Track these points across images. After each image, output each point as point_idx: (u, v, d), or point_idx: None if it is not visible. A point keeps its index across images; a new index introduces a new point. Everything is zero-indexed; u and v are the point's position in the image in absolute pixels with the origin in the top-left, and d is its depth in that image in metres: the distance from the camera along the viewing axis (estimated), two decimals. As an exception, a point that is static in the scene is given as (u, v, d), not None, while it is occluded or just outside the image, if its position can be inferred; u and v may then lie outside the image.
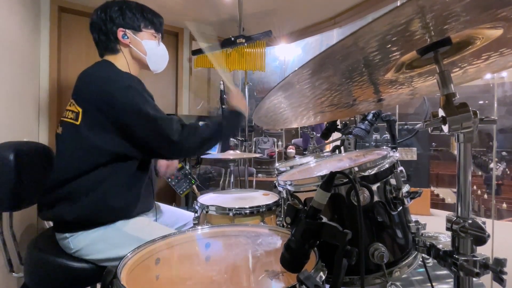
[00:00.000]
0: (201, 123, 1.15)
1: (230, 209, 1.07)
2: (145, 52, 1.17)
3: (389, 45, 0.50)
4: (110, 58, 1.16)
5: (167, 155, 1.15)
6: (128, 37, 1.14)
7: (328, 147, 2.38)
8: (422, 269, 0.84)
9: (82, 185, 1.00)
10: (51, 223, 1.16)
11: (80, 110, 1.02)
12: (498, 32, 0.50)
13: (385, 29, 0.43)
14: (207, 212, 1.11)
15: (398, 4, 0.37)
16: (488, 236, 0.52)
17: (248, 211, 1.08)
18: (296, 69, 0.54)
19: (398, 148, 1.04)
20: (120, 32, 1.13)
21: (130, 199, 1.07)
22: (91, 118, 1.00)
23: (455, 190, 0.58)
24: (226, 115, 1.23)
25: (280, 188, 0.87)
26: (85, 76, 1.07)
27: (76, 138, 1.02)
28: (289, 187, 0.77)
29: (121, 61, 1.16)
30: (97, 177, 1.01)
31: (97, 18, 1.14)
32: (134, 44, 1.16)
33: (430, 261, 0.87)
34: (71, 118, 1.04)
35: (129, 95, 1.00)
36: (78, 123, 1.01)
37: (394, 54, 0.54)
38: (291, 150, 3.75)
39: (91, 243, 1.01)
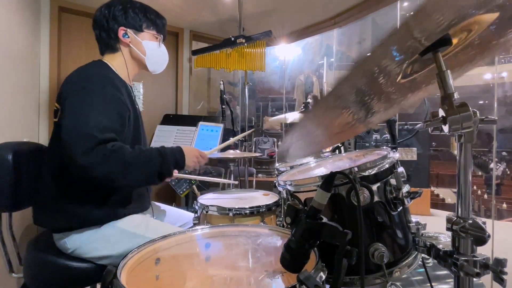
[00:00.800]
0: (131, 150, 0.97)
1: (230, 209, 1.07)
2: (144, 53, 1.17)
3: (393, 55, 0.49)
4: (108, 57, 1.16)
5: (73, 171, 0.95)
6: (129, 37, 1.14)
7: (328, 147, 2.38)
8: (422, 269, 0.84)
9: (65, 184, 1.01)
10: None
11: (59, 107, 1.03)
12: (494, 16, 0.49)
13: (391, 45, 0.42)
14: (207, 212, 1.11)
15: (398, 4, 0.37)
16: (488, 236, 0.52)
17: (248, 211, 1.08)
18: (314, 99, 0.52)
19: (398, 148, 1.04)
20: (121, 31, 1.13)
21: (117, 198, 1.06)
22: (61, 115, 1.01)
23: (455, 190, 0.58)
24: (168, 154, 1.03)
25: (280, 188, 0.87)
26: (70, 74, 1.07)
27: (55, 136, 1.04)
28: (289, 187, 0.77)
29: (119, 60, 1.15)
30: (72, 177, 0.98)
31: (100, 15, 1.14)
32: (134, 44, 1.16)
33: (430, 261, 0.87)
34: (54, 117, 1.06)
35: (78, 96, 0.96)
36: (56, 120, 1.04)
37: (400, 62, 0.53)
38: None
39: (88, 242, 1.01)
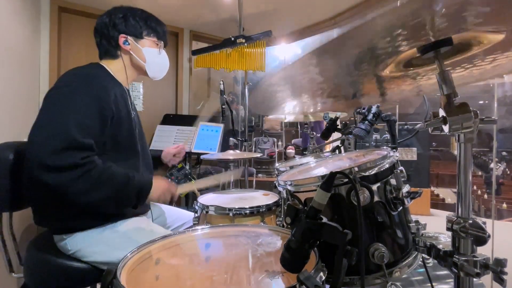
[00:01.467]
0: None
1: (230, 209, 1.07)
2: (144, 60, 1.17)
3: (397, 38, 0.49)
4: (106, 62, 1.16)
5: (27, 169, 0.86)
6: (129, 44, 1.15)
7: (328, 147, 2.38)
8: (422, 269, 0.84)
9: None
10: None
11: None
12: (500, 37, 0.49)
13: (394, 21, 0.42)
14: (207, 212, 1.11)
15: (398, 3, 0.37)
16: (489, 236, 0.52)
17: (248, 211, 1.08)
18: (301, 55, 0.53)
19: (398, 148, 1.03)
20: (121, 38, 1.13)
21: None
22: None
23: (455, 190, 0.58)
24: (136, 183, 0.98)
25: (280, 188, 0.87)
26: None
27: None
28: (289, 187, 0.77)
29: (118, 66, 1.15)
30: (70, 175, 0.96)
31: (101, 23, 1.14)
32: (134, 51, 1.16)
33: (430, 261, 0.87)
34: None
35: (60, 91, 0.94)
36: None
37: (399, 47, 0.53)
38: (291, 151, 3.75)
39: (89, 245, 1.01)
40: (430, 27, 0.46)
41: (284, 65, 4.37)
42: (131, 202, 0.98)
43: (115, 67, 1.15)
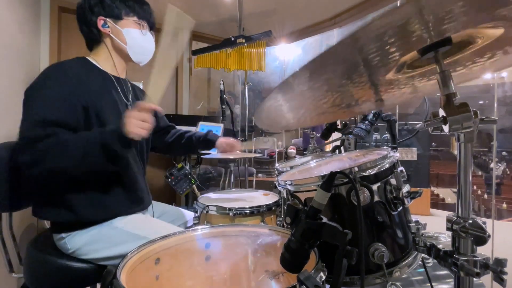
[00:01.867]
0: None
1: (230, 209, 1.07)
2: (125, 42, 1.11)
3: (388, 46, 0.50)
4: (94, 52, 1.14)
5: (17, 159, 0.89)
6: (108, 26, 1.10)
7: (328, 147, 2.38)
8: (422, 269, 0.83)
9: (66, 183, 0.99)
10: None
11: None
12: (498, 32, 0.50)
13: (383, 30, 0.43)
14: (207, 212, 1.11)
15: (398, 3, 0.37)
16: (489, 236, 0.52)
17: (248, 211, 1.08)
18: (295, 70, 0.53)
19: (398, 148, 1.03)
20: (100, 21, 1.09)
21: (118, 198, 1.06)
22: None
23: (455, 190, 0.58)
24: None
25: (280, 188, 0.87)
26: None
27: None
28: (289, 187, 0.77)
29: (104, 54, 1.12)
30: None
31: (79, 8, 1.11)
32: (114, 33, 1.11)
33: (430, 261, 0.87)
34: None
35: (34, 86, 0.96)
36: None
37: (393, 55, 0.54)
38: (292, 150, 3.75)
39: (88, 243, 1.01)
40: (426, 31, 0.46)
41: (284, 66, 4.37)
42: (100, 158, 0.90)
43: (101, 57, 1.12)
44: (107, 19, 1.09)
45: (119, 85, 1.14)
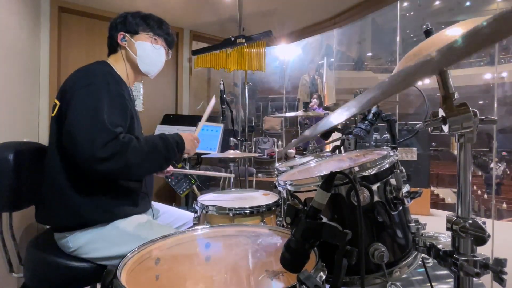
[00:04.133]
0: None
1: (230, 209, 1.07)
2: (136, 53, 1.19)
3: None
4: (111, 59, 1.21)
5: (80, 164, 0.94)
6: (126, 40, 1.19)
7: (328, 147, 2.38)
8: (422, 269, 0.83)
9: (68, 184, 1.01)
10: (51, 223, 1.16)
11: (58, 103, 1.05)
12: None
13: None
14: (207, 212, 1.11)
15: (398, 4, 0.37)
16: (488, 236, 0.52)
17: (248, 211, 1.08)
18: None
19: (398, 148, 1.03)
20: (120, 36, 1.18)
21: (119, 198, 1.07)
22: (60, 111, 1.03)
23: (455, 190, 0.58)
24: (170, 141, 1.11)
25: (280, 188, 0.87)
26: (74, 72, 1.09)
27: (52, 131, 1.07)
28: (289, 187, 0.77)
29: (121, 65, 1.20)
30: (77, 174, 1.01)
31: (109, 27, 1.21)
32: (129, 46, 1.19)
33: (430, 261, 0.87)
34: (52, 111, 1.09)
35: (85, 92, 0.99)
36: (53, 114, 1.07)
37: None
38: (291, 150, 3.75)
39: (89, 242, 1.02)
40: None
41: (284, 66, 4.37)
42: (176, 156, 1.11)
43: (118, 66, 1.19)
44: (126, 34, 1.19)
45: (131, 94, 1.23)
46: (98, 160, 0.91)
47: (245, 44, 2.56)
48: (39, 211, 1.08)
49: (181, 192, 1.91)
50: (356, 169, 0.66)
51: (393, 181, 0.69)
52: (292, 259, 0.55)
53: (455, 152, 0.57)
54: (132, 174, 1.02)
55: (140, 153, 0.98)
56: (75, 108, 0.97)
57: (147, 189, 1.21)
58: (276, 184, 0.92)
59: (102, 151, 0.91)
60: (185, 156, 1.18)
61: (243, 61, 2.63)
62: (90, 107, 0.96)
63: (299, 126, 4.54)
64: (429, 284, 0.84)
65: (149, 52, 1.21)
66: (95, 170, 0.92)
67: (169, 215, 1.36)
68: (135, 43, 1.19)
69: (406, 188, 0.68)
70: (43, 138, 2.14)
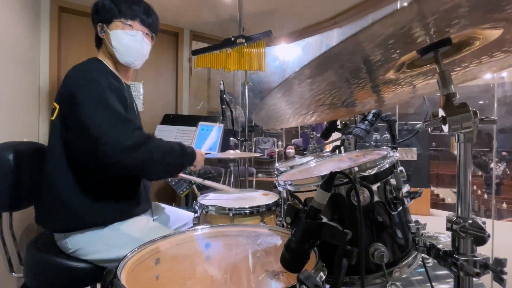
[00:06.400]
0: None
1: (230, 209, 1.07)
2: (112, 44, 1.09)
3: (389, 47, 0.50)
4: (100, 54, 1.16)
5: (105, 156, 0.92)
6: (104, 31, 1.11)
7: (328, 147, 2.38)
8: (422, 269, 0.84)
9: (69, 184, 1.01)
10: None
11: (57, 106, 1.04)
12: (498, 32, 0.50)
13: (386, 32, 0.43)
14: (207, 212, 1.11)
15: (398, 4, 0.37)
16: (488, 236, 0.52)
17: (248, 211, 1.08)
18: (296, 70, 0.53)
19: (398, 148, 1.03)
20: (98, 28, 1.11)
21: (120, 199, 1.07)
22: (61, 114, 1.02)
23: (455, 190, 0.58)
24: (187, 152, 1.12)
25: (280, 188, 0.87)
26: (68, 72, 1.06)
27: (53, 134, 1.05)
28: (289, 187, 0.77)
29: (108, 59, 1.15)
30: (77, 176, 1.01)
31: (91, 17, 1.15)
32: (106, 38, 1.10)
33: (430, 261, 0.87)
34: (52, 115, 1.07)
35: (90, 88, 0.97)
36: (53, 118, 1.05)
37: (394, 55, 0.54)
38: (290, 150, 3.75)
39: (89, 244, 1.01)
40: (426, 32, 0.46)
41: (284, 66, 4.37)
42: (188, 163, 1.13)
43: (107, 61, 1.15)
44: (104, 25, 1.10)
45: (129, 90, 1.21)
46: (125, 149, 0.89)
47: (245, 44, 2.56)
48: (39, 213, 1.08)
49: (181, 192, 1.91)
50: (356, 169, 0.66)
51: (393, 181, 0.69)
52: (292, 259, 0.55)
53: (455, 152, 0.57)
54: (151, 171, 0.98)
55: (161, 150, 0.97)
56: (84, 105, 0.93)
57: (145, 191, 1.21)
58: (276, 184, 0.92)
59: (128, 140, 0.90)
60: (192, 168, 1.19)
61: (243, 61, 2.63)
62: (101, 101, 0.94)
63: (298, 126, 4.54)
64: (429, 284, 0.84)
65: (123, 41, 1.09)
66: (120, 162, 0.90)
67: (169, 215, 1.36)
68: (110, 33, 1.09)
69: (406, 188, 0.68)
70: (43, 138, 2.14)
